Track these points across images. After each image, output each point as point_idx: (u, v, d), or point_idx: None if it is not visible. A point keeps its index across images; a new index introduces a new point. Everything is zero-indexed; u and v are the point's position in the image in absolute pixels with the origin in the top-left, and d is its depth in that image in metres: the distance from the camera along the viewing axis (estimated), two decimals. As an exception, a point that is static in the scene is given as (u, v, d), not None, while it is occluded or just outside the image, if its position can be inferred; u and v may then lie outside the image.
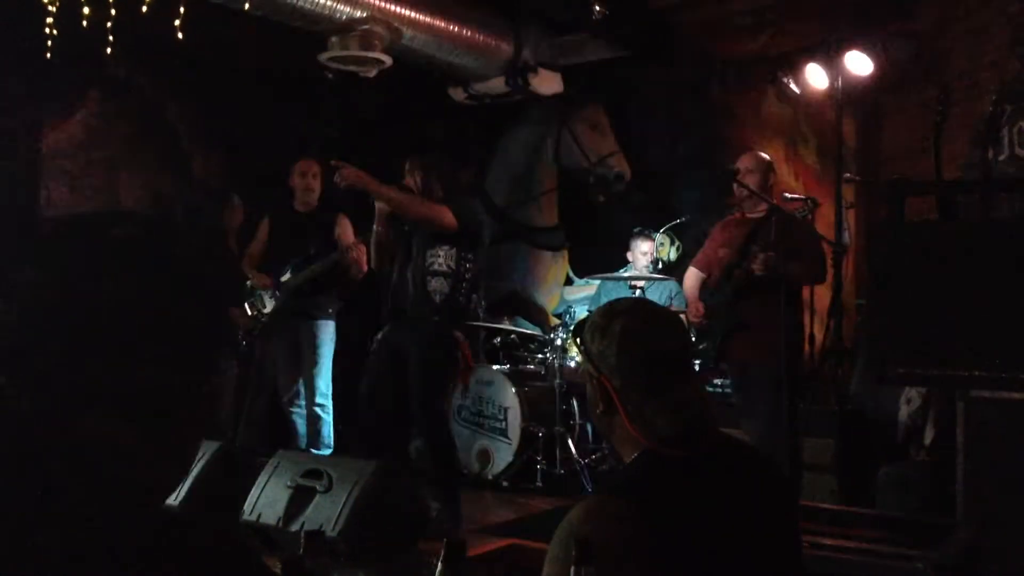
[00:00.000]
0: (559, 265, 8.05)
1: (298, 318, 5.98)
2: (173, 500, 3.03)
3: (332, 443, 5.91)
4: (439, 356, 4.67)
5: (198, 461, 3.78)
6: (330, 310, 6.00)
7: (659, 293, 6.38)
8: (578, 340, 1.85)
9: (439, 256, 4.66)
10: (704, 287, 5.04)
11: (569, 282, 8.01)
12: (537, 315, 7.66)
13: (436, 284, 4.63)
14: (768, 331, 4.54)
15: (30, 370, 0.92)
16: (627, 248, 6.77)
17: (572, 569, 1.38)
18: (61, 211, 6.29)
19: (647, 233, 6.69)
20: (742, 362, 4.80)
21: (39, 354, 0.92)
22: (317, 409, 5.89)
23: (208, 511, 3.68)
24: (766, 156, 5.12)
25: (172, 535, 0.91)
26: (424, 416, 4.67)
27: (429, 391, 4.64)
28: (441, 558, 1.45)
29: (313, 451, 5.70)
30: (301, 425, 6.04)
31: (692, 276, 5.17)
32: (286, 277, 5.96)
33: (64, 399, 0.92)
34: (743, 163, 4.92)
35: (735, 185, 4.81)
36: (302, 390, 5.99)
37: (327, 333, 5.98)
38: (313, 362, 5.93)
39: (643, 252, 6.57)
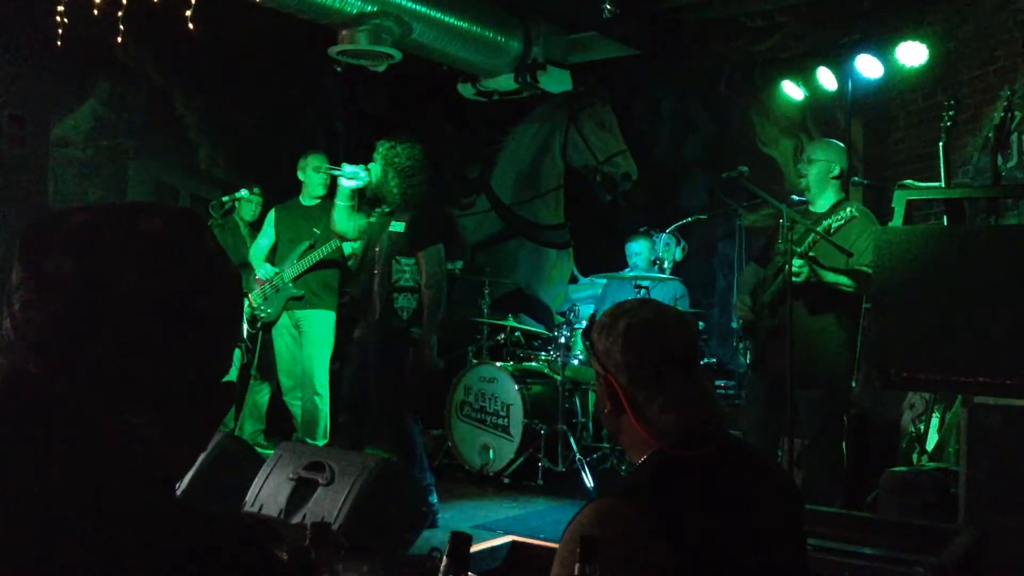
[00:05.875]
0: (564, 263, 8.06)
1: (300, 308, 6.00)
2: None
3: (328, 434, 5.92)
4: (398, 353, 4.84)
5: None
6: (331, 300, 6.03)
7: (664, 293, 6.38)
8: (586, 341, 1.85)
9: (405, 272, 4.80)
10: (760, 284, 4.76)
11: (574, 280, 8.02)
12: (541, 312, 7.66)
13: (403, 301, 4.81)
14: (812, 344, 4.36)
15: (61, 357, 0.92)
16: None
17: (576, 567, 1.38)
18: (69, 200, 6.30)
19: (643, 232, 6.67)
20: (777, 373, 4.38)
21: (70, 343, 0.92)
22: (316, 399, 5.91)
23: (210, 501, 3.69)
24: (832, 143, 4.82)
25: (185, 525, 0.92)
26: (382, 414, 4.86)
27: (387, 390, 4.84)
28: (446, 552, 1.45)
29: (308, 440, 5.71)
30: (299, 415, 6.06)
31: (748, 272, 4.98)
32: (290, 268, 5.98)
33: (92, 387, 0.92)
34: (806, 152, 4.77)
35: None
36: (301, 381, 6.02)
37: (328, 323, 6.00)
38: (313, 352, 5.95)
39: (636, 253, 6.51)
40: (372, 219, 4.96)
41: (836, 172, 4.65)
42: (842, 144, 4.88)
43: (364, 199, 4.99)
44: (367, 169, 4.87)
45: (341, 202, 4.96)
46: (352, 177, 4.86)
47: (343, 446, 4.88)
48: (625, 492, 1.65)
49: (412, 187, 4.85)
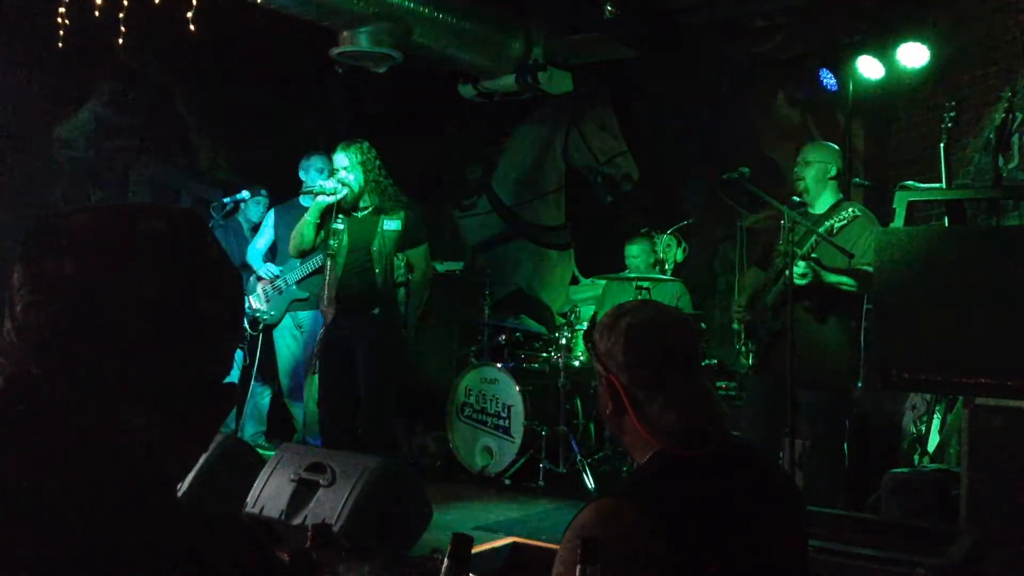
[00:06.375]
0: (565, 264, 8.06)
1: (302, 310, 6.00)
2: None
3: None
4: (394, 350, 5.08)
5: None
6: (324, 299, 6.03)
7: (665, 295, 6.37)
8: (588, 343, 1.86)
9: (400, 268, 5.07)
10: (762, 287, 4.74)
11: (575, 281, 8.01)
12: (542, 314, 7.66)
13: (400, 295, 5.11)
14: (814, 345, 4.36)
15: (62, 359, 0.92)
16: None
17: (577, 568, 1.38)
18: (70, 200, 6.30)
19: (642, 234, 6.66)
20: (779, 375, 4.36)
21: (70, 344, 0.92)
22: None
23: (212, 502, 3.69)
24: (826, 144, 4.84)
25: (186, 526, 0.92)
26: (374, 406, 4.99)
27: (382, 382, 5.00)
28: (447, 553, 1.45)
29: (309, 442, 5.72)
30: (300, 417, 6.06)
31: (750, 275, 4.96)
32: (294, 270, 5.98)
33: (93, 388, 0.92)
34: (801, 155, 4.77)
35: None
36: (303, 382, 6.01)
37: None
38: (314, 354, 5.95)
39: (632, 256, 6.50)
40: (337, 224, 4.98)
41: (833, 173, 4.66)
42: (836, 145, 4.88)
43: (338, 209, 5.00)
44: (340, 181, 4.91)
45: (312, 219, 4.94)
46: (332, 192, 4.89)
47: (327, 447, 4.91)
48: (626, 492, 1.66)
49: (391, 184, 5.04)
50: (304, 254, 5.34)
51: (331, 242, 4.97)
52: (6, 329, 0.94)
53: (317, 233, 4.97)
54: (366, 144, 5.00)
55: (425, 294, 5.15)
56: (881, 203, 5.61)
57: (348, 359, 4.96)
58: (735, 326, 4.97)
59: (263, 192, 6.51)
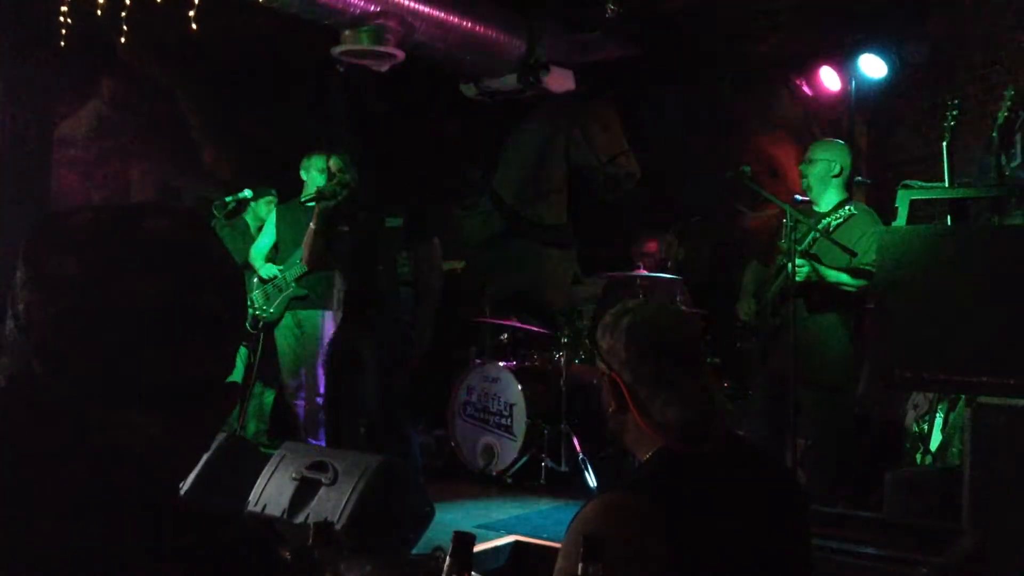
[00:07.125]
0: (567, 263, 8.05)
1: (302, 308, 6.00)
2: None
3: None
4: (399, 352, 4.99)
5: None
6: (334, 301, 6.03)
7: (666, 293, 6.37)
8: (591, 341, 1.87)
9: (405, 267, 5.00)
10: (763, 284, 4.76)
11: (577, 280, 8.01)
12: (544, 312, 7.66)
13: (404, 293, 4.98)
14: (815, 343, 4.36)
15: (63, 357, 0.92)
16: (633, 247, 6.76)
17: (580, 566, 1.38)
18: (72, 199, 6.31)
19: (652, 232, 6.68)
20: (780, 372, 4.37)
21: (73, 343, 0.92)
22: (319, 400, 5.90)
23: (214, 501, 3.69)
24: (834, 142, 4.81)
25: (188, 524, 0.92)
26: (383, 407, 4.94)
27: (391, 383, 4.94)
28: (449, 552, 1.45)
29: (311, 441, 5.72)
30: (301, 415, 6.05)
31: (751, 271, 4.95)
32: (293, 268, 5.97)
33: (95, 387, 0.92)
34: (807, 152, 4.73)
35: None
36: (304, 381, 6.01)
37: (330, 324, 6.00)
38: (316, 353, 5.95)
39: (648, 252, 6.53)
40: (342, 227, 4.99)
41: (836, 171, 4.64)
42: (844, 143, 4.87)
43: (340, 212, 5.05)
44: (340, 183, 4.94)
45: (317, 227, 4.94)
46: (333, 195, 4.92)
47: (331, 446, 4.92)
48: (629, 487, 1.67)
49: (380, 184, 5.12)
50: (318, 263, 5.32)
51: (336, 245, 4.99)
52: (9, 328, 0.94)
53: (325, 240, 4.97)
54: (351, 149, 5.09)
55: (436, 293, 5.12)
56: (883, 202, 5.61)
57: (354, 359, 4.95)
58: (737, 325, 4.97)
59: (273, 192, 6.50)
